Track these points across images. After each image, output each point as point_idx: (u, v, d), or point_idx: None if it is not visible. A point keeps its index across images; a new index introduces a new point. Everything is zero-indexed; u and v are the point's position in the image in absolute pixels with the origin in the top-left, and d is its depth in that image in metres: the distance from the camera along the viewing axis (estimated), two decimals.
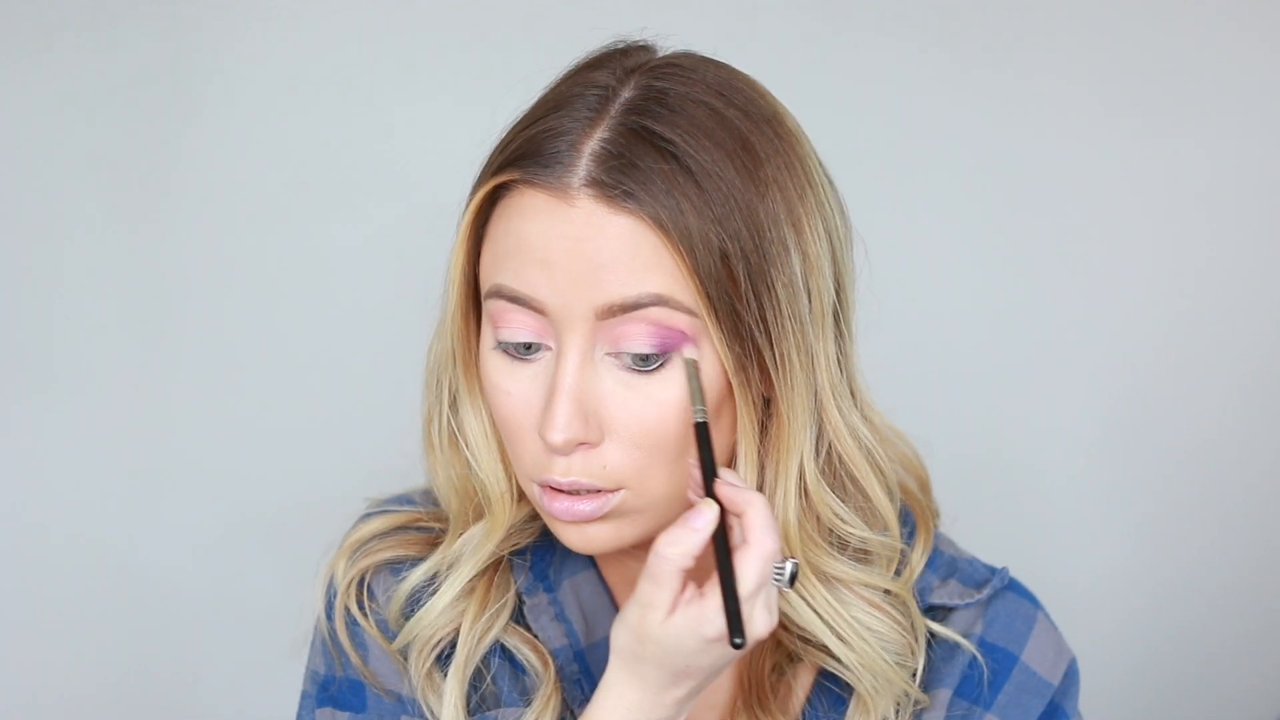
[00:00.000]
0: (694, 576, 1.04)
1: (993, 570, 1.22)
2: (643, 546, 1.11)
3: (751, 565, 1.01)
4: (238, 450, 1.83)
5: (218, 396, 1.83)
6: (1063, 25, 1.82)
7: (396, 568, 1.20)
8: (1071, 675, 1.20)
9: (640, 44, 1.13)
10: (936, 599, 1.19)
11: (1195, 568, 1.89)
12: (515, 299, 1.06)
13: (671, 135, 1.05)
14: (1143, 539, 1.88)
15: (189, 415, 1.83)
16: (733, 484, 1.04)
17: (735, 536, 1.03)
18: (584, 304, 1.04)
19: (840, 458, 1.13)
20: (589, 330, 1.05)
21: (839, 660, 1.15)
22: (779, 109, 1.12)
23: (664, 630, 1.02)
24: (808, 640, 1.16)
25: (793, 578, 1.04)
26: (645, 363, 1.06)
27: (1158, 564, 1.89)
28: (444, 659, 1.17)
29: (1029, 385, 1.87)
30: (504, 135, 1.10)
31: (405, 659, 1.18)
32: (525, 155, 1.06)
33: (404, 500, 1.25)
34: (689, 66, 1.10)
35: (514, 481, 1.16)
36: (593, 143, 1.05)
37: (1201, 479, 1.88)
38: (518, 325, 1.07)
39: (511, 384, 1.08)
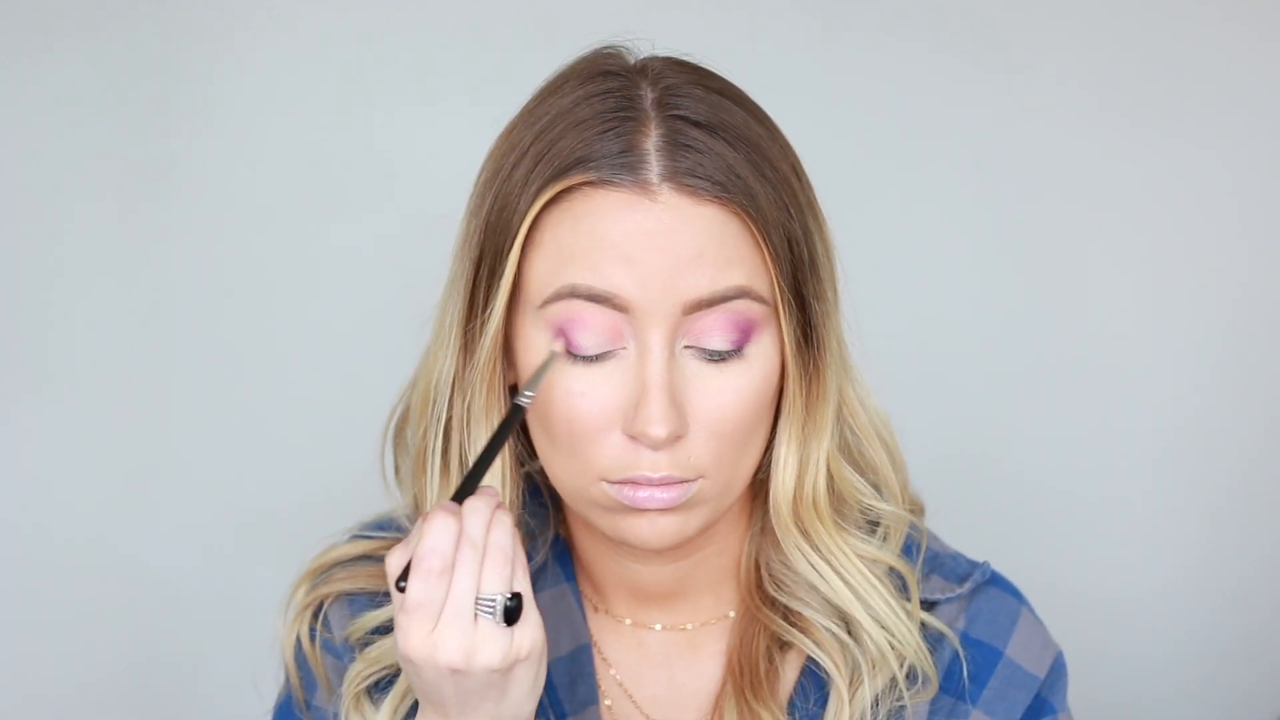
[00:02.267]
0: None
1: (975, 564, 1.21)
2: (660, 552, 1.13)
3: (411, 581, 1.01)
4: (238, 450, 1.84)
5: (218, 396, 1.83)
6: (1069, 24, 1.81)
7: (355, 600, 1.21)
8: (1058, 669, 1.20)
9: (609, 50, 1.13)
10: (920, 593, 1.19)
11: (1203, 569, 1.89)
12: (594, 297, 1.05)
13: (722, 125, 1.07)
14: (1145, 540, 1.89)
15: (188, 415, 1.83)
16: (446, 506, 1.04)
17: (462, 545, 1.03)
18: (670, 300, 1.05)
19: (853, 431, 1.16)
20: (673, 325, 1.06)
21: (822, 645, 1.15)
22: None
23: (398, 652, 1.03)
24: (794, 624, 1.17)
25: (508, 614, 1.02)
26: (720, 354, 1.07)
27: (1169, 566, 1.89)
28: (383, 685, 1.17)
29: (1033, 388, 1.87)
30: (523, 151, 1.08)
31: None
32: (586, 158, 1.05)
33: (385, 524, 1.25)
34: (677, 64, 1.11)
35: (512, 503, 1.16)
36: (652, 139, 1.06)
37: (1204, 481, 1.88)
38: (594, 326, 1.06)
39: (584, 385, 1.07)
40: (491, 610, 1.02)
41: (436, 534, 1.01)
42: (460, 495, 1.04)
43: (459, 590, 1.01)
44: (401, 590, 1.02)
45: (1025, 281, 1.85)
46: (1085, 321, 1.86)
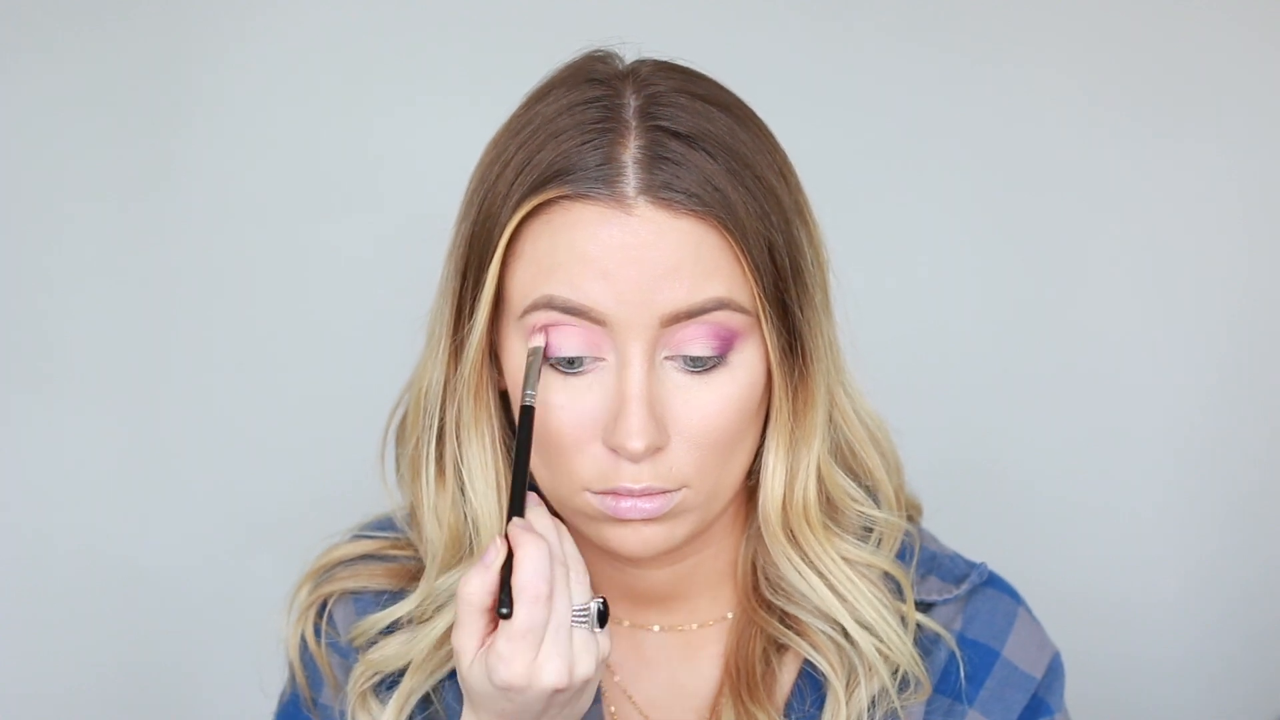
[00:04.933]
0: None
1: (972, 565, 1.21)
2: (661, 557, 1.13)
3: (519, 608, 1.02)
4: (238, 450, 1.84)
5: (217, 397, 1.83)
6: (1071, 23, 1.81)
7: (360, 598, 1.21)
8: (1055, 669, 1.20)
9: (599, 54, 1.13)
10: (916, 595, 1.19)
11: (1206, 573, 1.89)
12: (571, 310, 1.06)
13: (703, 135, 1.07)
14: (1147, 544, 1.89)
15: (188, 415, 1.83)
16: (523, 525, 1.05)
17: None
18: (648, 313, 1.05)
19: (846, 437, 1.16)
20: (652, 337, 1.06)
21: (819, 648, 1.16)
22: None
23: (470, 674, 1.04)
24: (790, 626, 1.17)
25: (601, 617, 1.04)
26: (702, 363, 1.07)
27: (1172, 570, 1.89)
28: (388, 684, 1.18)
29: (1035, 392, 1.86)
30: (506, 161, 1.08)
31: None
32: (565, 170, 1.06)
33: (385, 524, 1.25)
34: (666, 69, 1.11)
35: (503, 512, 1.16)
36: (631, 151, 1.06)
37: (1207, 484, 1.88)
38: (572, 337, 1.07)
39: (563, 398, 1.08)
40: (586, 618, 1.04)
41: (536, 558, 1.02)
42: (514, 511, 1.06)
43: (560, 608, 1.03)
44: (505, 617, 1.02)
45: (1027, 283, 1.85)
46: (1088, 324, 1.85)
